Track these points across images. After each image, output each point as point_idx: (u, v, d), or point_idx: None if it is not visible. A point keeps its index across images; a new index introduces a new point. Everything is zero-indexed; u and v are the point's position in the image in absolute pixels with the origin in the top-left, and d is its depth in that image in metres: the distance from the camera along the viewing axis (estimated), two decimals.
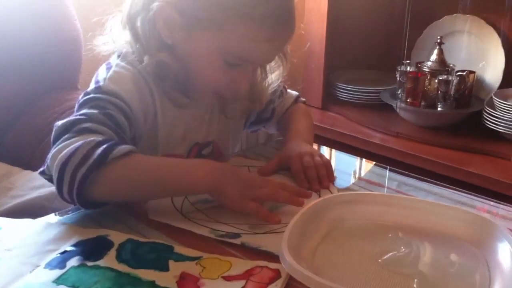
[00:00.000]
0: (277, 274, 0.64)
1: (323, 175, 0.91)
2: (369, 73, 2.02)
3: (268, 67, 1.00)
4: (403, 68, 1.73)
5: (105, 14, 0.92)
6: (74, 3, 1.53)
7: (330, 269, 0.66)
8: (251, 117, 1.12)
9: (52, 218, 0.78)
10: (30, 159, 1.36)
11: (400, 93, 1.73)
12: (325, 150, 1.17)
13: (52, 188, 1.05)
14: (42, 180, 0.98)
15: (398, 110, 1.73)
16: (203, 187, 0.77)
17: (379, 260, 0.68)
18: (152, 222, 0.76)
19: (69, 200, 0.74)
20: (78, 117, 0.78)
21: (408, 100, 1.69)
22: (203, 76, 0.89)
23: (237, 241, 0.72)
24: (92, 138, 0.74)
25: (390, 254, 0.70)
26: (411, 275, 0.66)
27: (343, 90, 1.89)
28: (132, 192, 0.78)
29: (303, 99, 1.18)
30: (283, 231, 0.67)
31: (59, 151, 0.73)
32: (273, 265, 0.66)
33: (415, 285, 0.64)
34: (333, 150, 1.07)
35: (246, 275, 0.64)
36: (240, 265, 0.66)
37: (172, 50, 0.88)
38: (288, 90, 1.16)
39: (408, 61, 1.76)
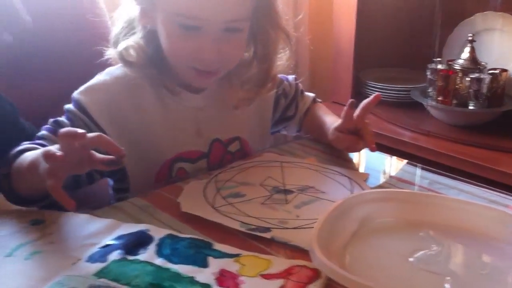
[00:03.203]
0: (316, 274, 0.63)
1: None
2: (399, 71, 2.00)
3: (261, 45, 0.98)
4: (434, 66, 1.71)
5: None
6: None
7: (360, 266, 0.66)
8: (277, 114, 1.12)
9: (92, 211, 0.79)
10: None
11: (431, 91, 1.72)
12: None
13: None
14: None
15: (428, 109, 1.71)
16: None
17: (410, 259, 0.68)
18: (186, 217, 0.77)
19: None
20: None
21: (439, 99, 1.67)
22: (170, 50, 0.91)
23: (267, 235, 0.72)
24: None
25: (421, 252, 0.69)
26: (442, 274, 0.65)
27: (372, 88, 1.87)
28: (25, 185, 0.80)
29: (319, 99, 1.19)
30: (313, 227, 0.67)
31: None
32: (312, 265, 0.64)
33: (446, 285, 0.63)
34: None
35: (285, 274, 0.63)
36: (279, 263, 0.65)
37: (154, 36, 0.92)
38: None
39: (439, 59, 1.74)
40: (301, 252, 0.68)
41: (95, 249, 0.67)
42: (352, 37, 1.83)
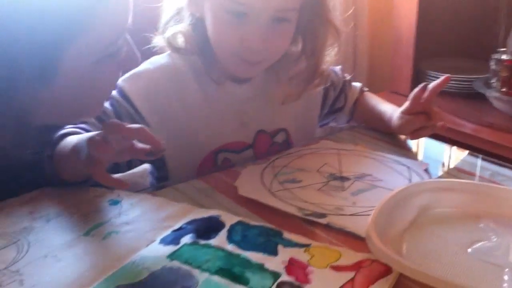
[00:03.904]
0: (387, 270, 0.61)
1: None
2: (461, 61, 1.95)
3: (309, 40, 0.96)
4: (498, 56, 1.66)
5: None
6: None
7: (417, 255, 0.65)
8: (326, 107, 1.12)
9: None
10: None
11: (495, 82, 1.67)
12: None
13: (145, 165, 1.10)
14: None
15: (491, 100, 1.66)
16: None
17: (469, 249, 0.67)
18: (243, 201, 0.78)
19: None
20: None
21: (503, 90, 1.62)
22: (216, 37, 0.90)
23: (323, 220, 0.72)
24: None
25: (480, 243, 0.68)
26: (501, 266, 0.64)
27: (433, 78, 1.83)
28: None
29: (366, 88, 1.17)
30: (370, 214, 0.67)
31: None
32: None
33: (505, 277, 0.62)
34: (424, 138, 1.04)
35: (356, 267, 0.62)
36: (350, 256, 0.64)
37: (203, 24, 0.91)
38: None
39: (503, 49, 1.68)
40: (353, 238, 0.69)
41: (168, 231, 0.69)
42: (413, 25, 1.80)
